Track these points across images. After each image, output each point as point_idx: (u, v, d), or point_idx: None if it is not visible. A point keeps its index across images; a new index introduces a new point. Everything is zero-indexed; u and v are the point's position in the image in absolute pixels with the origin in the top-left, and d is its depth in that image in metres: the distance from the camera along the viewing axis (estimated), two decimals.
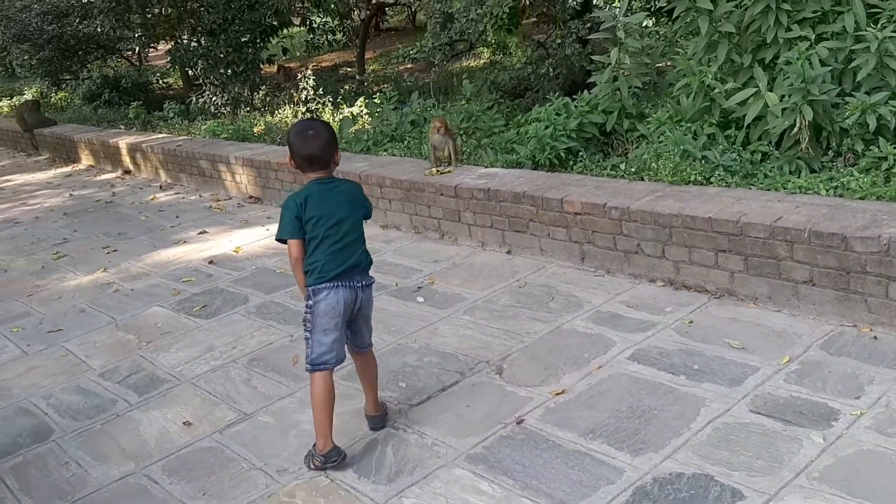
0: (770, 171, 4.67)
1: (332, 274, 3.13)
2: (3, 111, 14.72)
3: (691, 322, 3.94)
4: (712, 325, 3.88)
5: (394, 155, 6.78)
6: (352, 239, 3.20)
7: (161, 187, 8.62)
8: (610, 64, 5.76)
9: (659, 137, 5.23)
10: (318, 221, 3.11)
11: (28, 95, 15.20)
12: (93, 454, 3.50)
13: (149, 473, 3.30)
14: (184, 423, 3.65)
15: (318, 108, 9.47)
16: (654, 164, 4.98)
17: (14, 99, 15.39)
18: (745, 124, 4.93)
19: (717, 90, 5.08)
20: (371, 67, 13.91)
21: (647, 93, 6.00)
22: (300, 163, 3.18)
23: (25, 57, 13.53)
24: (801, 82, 4.52)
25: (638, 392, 3.39)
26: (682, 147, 4.93)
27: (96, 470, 3.38)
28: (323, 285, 3.13)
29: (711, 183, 4.68)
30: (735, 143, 4.98)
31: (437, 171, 5.86)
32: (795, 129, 4.58)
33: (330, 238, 3.13)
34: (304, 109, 9.57)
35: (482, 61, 11.86)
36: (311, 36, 13.34)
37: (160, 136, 9.57)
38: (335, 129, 3.19)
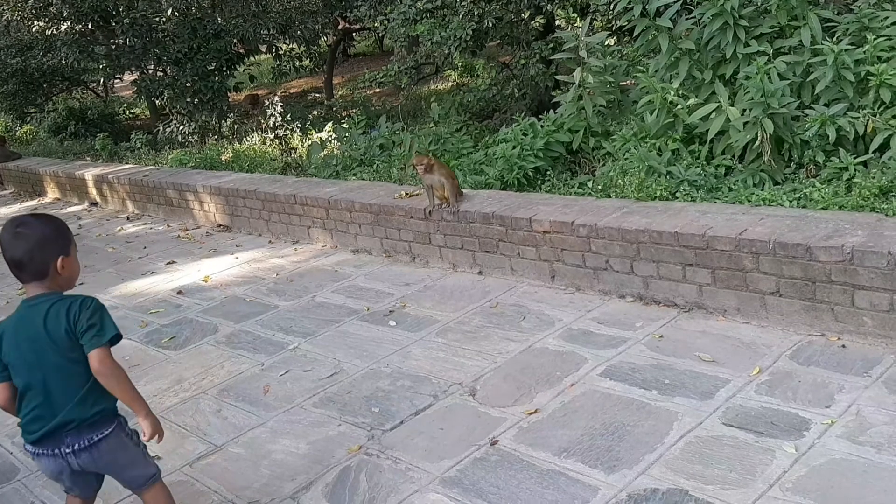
0: (734, 185, 4.73)
1: (31, 438, 2.48)
2: None
3: (661, 336, 3.96)
4: (682, 339, 3.90)
5: (363, 179, 6.77)
6: (50, 393, 2.42)
7: (129, 218, 8.53)
8: (574, 83, 5.82)
9: (624, 154, 5.28)
10: (14, 365, 2.44)
11: None
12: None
13: None
14: (153, 457, 3.57)
15: (286, 135, 9.46)
16: (620, 181, 5.01)
17: None
18: (709, 139, 4.99)
19: (679, 106, 5.15)
20: (339, 93, 13.96)
21: (612, 111, 6.07)
22: (12, 271, 2.46)
23: None
24: (761, 96, 4.59)
25: (611, 408, 3.38)
26: (647, 163, 4.98)
27: None
28: (28, 448, 2.53)
29: (677, 198, 4.72)
30: (699, 158, 5.04)
31: (407, 194, 5.85)
32: (757, 143, 4.64)
33: (29, 389, 2.45)
34: (272, 136, 9.57)
35: (450, 84, 11.95)
36: (278, 63, 13.35)
37: (127, 166, 9.48)
38: (62, 226, 2.52)
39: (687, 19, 5.34)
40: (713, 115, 4.89)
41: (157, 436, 2.55)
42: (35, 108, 13.76)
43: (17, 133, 14.36)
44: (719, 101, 4.87)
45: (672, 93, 5.17)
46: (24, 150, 12.32)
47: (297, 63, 13.45)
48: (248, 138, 9.94)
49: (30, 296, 2.45)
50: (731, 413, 3.21)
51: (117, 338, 2.45)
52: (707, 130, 4.95)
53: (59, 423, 2.43)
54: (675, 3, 5.25)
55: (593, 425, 3.28)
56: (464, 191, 5.51)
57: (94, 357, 2.37)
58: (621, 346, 3.92)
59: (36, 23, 11.90)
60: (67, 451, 2.46)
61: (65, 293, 2.48)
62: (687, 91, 5.29)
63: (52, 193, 10.37)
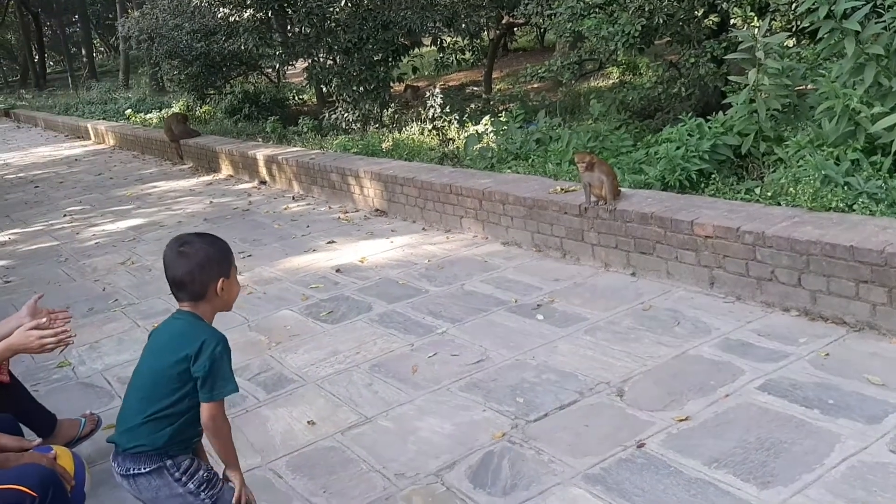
0: None
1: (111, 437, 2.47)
2: (153, 122, 15.76)
3: (827, 355, 3.75)
4: (850, 359, 3.68)
5: (517, 173, 6.80)
6: (130, 403, 2.41)
7: (294, 198, 8.98)
8: (747, 85, 5.59)
9: (798, 162, 5.02)
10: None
11: (175, 108, 16.21)
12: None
13: (274, 468, 3.44)
14: (308, 422, 3.78)
15: (444, 126, 9.65)
16: (791, 189, 4.77)
17: (162, 111, 16.45)
18: (893, 151, 4.66)
19: (862, 114, 4.83)
20: (498, 86, 14.05)
21: (786, 116, 5.78)
22: (171, 290, 2.45)
23: (175, 72, 14.44)
24: None
25: (767, 423, 3.25)
26: (823, 172, 4.71)
27: None
28: None
29: (854, 210, 4.44)
30: (881, 170, 4.71)
31: (562, 189, 5.83)
32: None
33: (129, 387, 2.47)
34: (430, 127, 9.78)
35: (611, 81, 11.76)
36: (441, 55, 13.60)
37: (294, 149, 9.99)
38: (225, 247, 2.48)
39: (876, 23, 5.00)
40: None
41: (242, 497, 2.46)
42: (214, 89, 14.71)
43: (197, 112, 15.40)
44: None
45: (855, 99, 4.86)
46: (202, 129, 13.18)
47: (460, 56, 13.65)
48: (408, 128, 10.21)
49: (180, 309, 2.43)
50: None
51: (234, 391, 2.38)
52: (892, 142, 4.62)
53: (116, 439, 2.41)
54: (864, 5, 4.93)
55: (747, 438, 3.16)
56: (621, 189, 5.43)
57: (207, 410, 2.32)
58: (782, 360, 3.74)
59: (221, 9, 12.73)
60: (119, 470, 2.41)
61: (212, 321, 2.44)
62: (872, 98, 4.96)
63: (225, 170, 11.09)
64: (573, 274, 5.33)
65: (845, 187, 4.62)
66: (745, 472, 2.96)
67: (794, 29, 6.31)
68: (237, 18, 12.39)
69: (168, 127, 12.64)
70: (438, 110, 9.93)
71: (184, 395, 2.32)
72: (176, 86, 16.11)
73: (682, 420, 3.36)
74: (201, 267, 2.36)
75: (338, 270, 6.03)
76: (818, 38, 5.32)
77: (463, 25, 11.06)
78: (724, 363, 3.80)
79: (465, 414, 3.68)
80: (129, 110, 17.70)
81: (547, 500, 2.98)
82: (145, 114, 17.00)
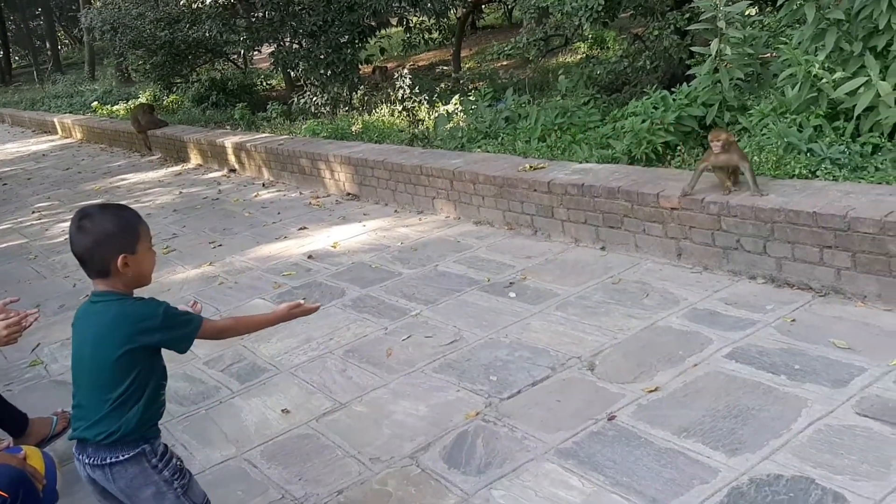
0: (881, 164, 4.44)
1: (71, 435, 2.40)
2: (120, 114, 15.54)
3: (793, 321, 3.80)
4: (816, 324, 3.73)
5: (487, 151, 6.79)
6: (86, 397, 2.32)
7: (264, 185, 8.92)
8: (710, 55, 5.60)
9: (762, 130, 5.06)
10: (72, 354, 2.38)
11: (142, 99, 16.00)
12: (197, 438, 3.68)
13: (249, 458, 3.44)
14: (282, 410, 3.78)
15: (413, 107, 9.60)
16: (756, 157, 4.81)
17: (129, 102, 16.23)
18: (855, 115, 4.70)
19: (824, 80, 4.87)
20: (467, 65, 13.98)
21: (750, 84, 5.81)
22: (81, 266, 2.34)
23: (140, 62, 14.24)
24: None
25: (735, 391, 3.29)
26: (786, 139, 4.75)
27: (200, 452, 3.54)
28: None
29: (817, 177, 4.49)
30: (844, 136, 4.75)
31: (531, 167, 5.83)
32: None
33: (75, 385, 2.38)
34: (400, 108, 9.73)
35: (578, 56, 11.73)
36: (408, 35, 13.51)
37: (263, 135, 9.90)
38: (130, 220, 2.34)
39: None
40: (861, 90, 4.60)
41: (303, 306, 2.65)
42: (181, 78, 14.52)
43: (164, 102, 15.21)
44: (869, 75, 4.57)
45: (817, 65, 4.88)
46: (169, 119, 13.03)
47: (427, 35, 13.54)
48: (378, 110, 10.14)
49: (95, 290, 2.34)
50: (866, 403, 3.06)
51: (200, 321, 2.37)
52: (854, 106, 4.66)
53: (79, 435, 2.33)
54: None
55: (716, 407, 3.21)
56: (588, 165, 5.44)
57: (208, 341, 2.35)
58: (749, 328, 3.79)
59: None
60: (87, 461, 2.34)
61: (132, 293, 2.36)
62: (833, 64, 4.99)
63: (194, 160, 10.98)
64: (544, 250, 5.35)
65: (808, 154, 4.66)
66: (713, 440, 3.00)
67: None
68: (200, 5, 12.22)
69: (135, 118, 12.48)
70: (408, 91, 9.88)
71: (138, 372, 2.28)
72: (142, 76, 15.91)
73: (651, 391, 3.40)
74: (99, 243, 2.26)
75: (310, 257, 6.01)
76: (779, 4, 5.34)
77: (429, 5, 10.97)
78: (692, 333, 3.84)
79: (439, 395, 3.69)
80: (96, 102, 17.43)
81: (520, 476, 3.00)
82: (112, 105, 16.76)
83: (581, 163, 5.79)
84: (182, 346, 2.37)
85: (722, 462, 2.87)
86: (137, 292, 2.39)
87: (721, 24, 5.49)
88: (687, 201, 4.54)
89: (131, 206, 2.43)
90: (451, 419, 3.47)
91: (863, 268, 3.81)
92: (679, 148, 5.52)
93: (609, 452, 3.04)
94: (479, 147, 7.00)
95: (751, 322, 3.85)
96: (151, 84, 15.52)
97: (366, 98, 11.04)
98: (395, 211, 6.95)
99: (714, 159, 4.42)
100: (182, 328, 2.35)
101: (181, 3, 12.56)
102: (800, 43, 5.20)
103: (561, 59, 12.00)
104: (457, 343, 4.18)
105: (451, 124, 8.10)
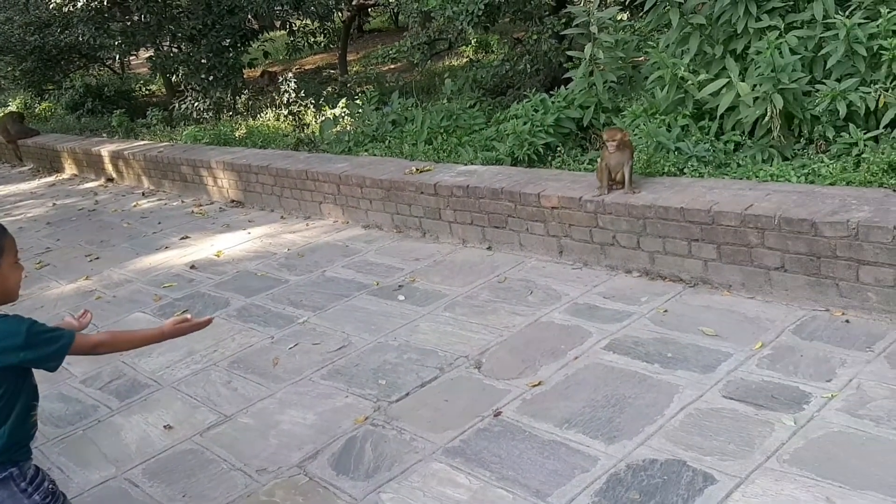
0: (743, 161, 4.72)
1: None
2: None
3: (666, 311, 3.98)
4: (686, 314, 3.92)
5: (374, 155, 6.80)
6: None
7: (144, 194, 8.62)
8: (585, 59, 5.80)
9: (634, 130, 5.27)
10: None
11: (12, 107, 15.15)
12: (74, 459, 3.52)
13: (130, 477, 3.32)
14: (164, 426, 3.67)
15: (300, 111, 9.49)
16: None
17: None
18: (718, 115, 4.97)
19: (689, 82, 5.12)
20: (353, 69, 13.92)
21: (623, 87, 6.05)
22: None
23: (8, 69, 13.49)
24: (772, 71, 4.57)
25: (613, 381, 3.42)
26: (655, 139, 4.97)
27: (78, 475, 3.39)
28: None
29: (685, 174, 4.72)
30: (709, 134, 5.02)
31: (417, 170, 5.87)
32: (767, 118, 4.62)
33: None
34: (286, 112, 9.59)
35: (464, 60, 11.89)
36: (292, 39, 13.32)
37: (142, 143, 9.56)
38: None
39: None
40: (723, 91, 4.87)
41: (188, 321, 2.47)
42: (53, 84, 13.86)
43: (36, 110, 14.48)
44: (730, 77, 4.84)
45: (682, 68, 5.14)
46: (42, 127, 12.42)
47: (311, 39, 13.40)
48: (263, 114, 9.98)
49: None
50: (732, 386, 3.24)
51: (71, 337, 2.24)
52: (717, 106, 4.92)
53: None
54: None
55: (595, 397, 3.32)
56: (473, 167, 5.53)
57: (81, 356, 2.19)
58: (626, 320, 3.95)
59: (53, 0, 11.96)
60: None
61: None
62: (697, 66, 5.27)
63: (69, 169, 10.48)
64: (433, 252, 5.39)
65: (676, 152, 4.89)
66: (593, 430, 3.11)
67: (625, 3, 6.58)
68: (71, 8, 11.68)
69: (3, 127, 11.83)
70: (293, 95, 9.76)
71: (3, 392, 2.16)
72: (10, 83, 15.05)
73: (535, 385, 3.49)
74: None
75: (192, 267, 5.85)
76: (647, 10, 5.59)
77: (312, 8, 10.87)
78: (573, 327, 3.97)
79: (327, 402, 3.67)
80: None
81: (409, 477, 3.02)
82: None
83: (466, 165, 5.88)
84: (51, 365, 2.23)
85: (601, 450, 2.98)
86: (3, 310, 2.27)
87: (594, 28, 5.70)
88: (565, 200, 4.69)
89: (5, 218, 2.30)
90: (339, 426, 3.45)
91: (727, 258, 4.04)
92: (559, 149, 5.68)
93: (495, 448, 3.10)
94: (365, 151, 7.00)
95: (627, 314, 4.01)
96: (21, 91, 14.73)
97: (250, 102, 10.84)
98: (282, 217, 6.86)
99: (608, 157, 4.51)
100: (48, 345, 2.21)
101: (51, 6, 11.97)
102: (667, 46, 5.46)
103: (447, 63, 12.13)
104: (345, 349, 4.17)
105: (337, 128, 8.06)
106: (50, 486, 2.32)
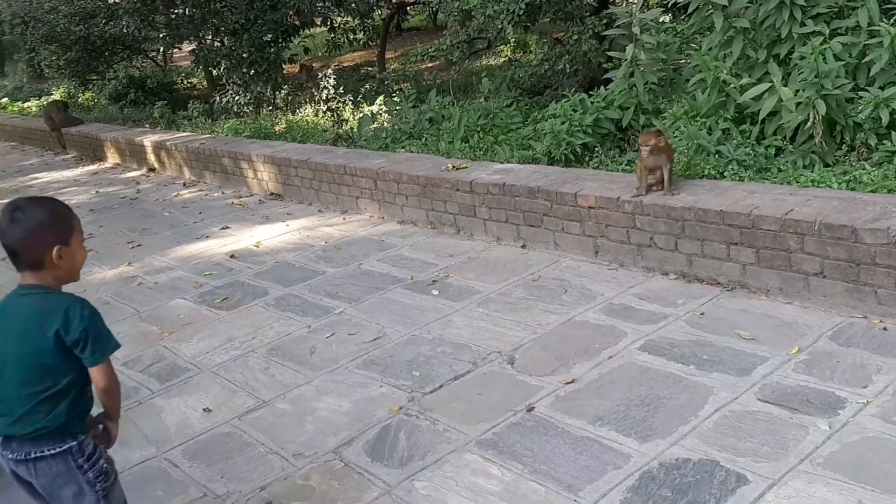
0: (784, 166, 4.70)
1: None
2: (32, 111, 14.99)
3: (702, 314, 3.98)
4: (723, 317, 3.92)
5: (411, 152, 6.85)
6: (8, 393, 2.24)
7: (185, 185, 8.77)
8: (626, 60, 5.80)
9: (674, 133, 5.26)
10: None
11: (56, 95, 15.47)
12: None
13: (169, 457, 3.41)
14: (204, 409, 3.76)
15: (338, 107, 9.58)
16: None
17: (42, 99, 15.67)
18: (760, 119, 4.95)
19: (731, 85, 5.11)
20: (391, 66, 14.01)
21: (664, 89, 6.03)
22: (10, 259, 2.28)
23: (53, 58, 13.76)
24: (815, 77, 4.54)
25: (647, 381, 3.44)
26: (696, 142, 4.96)
27: (119, 454, 3.44)
28: None
29: (725, 177, 4.71)
30: (749, 138, 5.00)
31: (454, 167, 5.92)
32: (809, 124, 4.60)
33: None
34: (324, 108, 9.69)
35: (501, 59, 11.91)
36: (332, 35, 13.44)
37: (184, 134, 9.72)
38: (63, 212, 2.30)
39: None
40: (766, 95, 4.85)
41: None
42: (97, 75, 14.10)
43: (80, 99, 14.73)
44: (772, 81, 4.82)
45: (725, 71, 5.12)
46: (85, 116, 12.63)
47: (351, 36, 13.51)
48: (302, 110, 10.08)
49: (23, 283, 2.26)
50: (768, 390, 3.24)
51: (117, 347, 2.29)
52: (759, 110, 4.90)
53: (5, 433, 2.28)
54: None
55: (629, 396, 3.34)
56: (510, 165, 5.56)
57: (99, 372, 2.25)
58: (661, 321, 3.96)
59: None
60: (10, 456, 2.29)
61: (61, 289, 2.30)
62: (740, 70, 5.25)
63: (112, 159, 10.69)
64: (467, 249, 5.44)
65: (717, 155, 4.88)
66: (626, 428, 3.13)
67: (668, 4, 6.57)
68: (117, 0, 11.91)
69: (48, 115, 12.06)
70: (332, 91, 9.85)
71: (67, 369, 2.23)
72: (55, 72, 15.36)
73: (568, 383, 3.51)
74: (33, 234, 2.20)
75: (232, 256, 5.95)
76: (690, 12, 5.57)
77: (353, 5, 10.97)
78: (607, 327, 3.99)
79: (362, 391, 3.73)
80: (6, 99, 16.78)
81: (442, 467, 3.07)
82: (23, 102, 16.15)
83: (502, 163, 5.91)
84: (94, 359, 2.25)
85: (634, 448, 3.00)
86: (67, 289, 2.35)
87: (636, 29, 5.69)
88: (603, 200, 4.70)
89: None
90: (374, 414, 3.51)
91: (766, 263, 4.03)
92: (597, 149, 5.69)
93: (528, 442, 3.13)
94: (402, 147, 7.06)
95: (663, 316, 4.02)
96: (66, 80, 15.02)
97: (290, 98, 10.96)
98: (319, 210, 6.94)
99: (645, 159, 4.53)
100: (104, 341, 2.27)
101: None
102: (709, 49, 5.44)
103: (484, 62, 12.16)
104: (380, 340, 4.23)
105: (375, 125, 8.13)
106: (104, 465, 2.39)
